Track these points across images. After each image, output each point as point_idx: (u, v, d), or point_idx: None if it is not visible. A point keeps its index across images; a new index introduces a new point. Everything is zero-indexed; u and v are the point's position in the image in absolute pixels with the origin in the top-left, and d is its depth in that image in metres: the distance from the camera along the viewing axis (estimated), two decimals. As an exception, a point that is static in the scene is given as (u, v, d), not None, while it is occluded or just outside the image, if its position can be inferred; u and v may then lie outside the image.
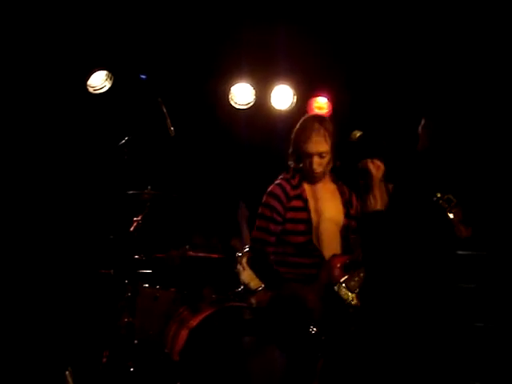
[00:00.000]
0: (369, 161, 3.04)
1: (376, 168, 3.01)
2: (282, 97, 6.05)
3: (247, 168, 6.27)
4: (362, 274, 3.65)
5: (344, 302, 3.44)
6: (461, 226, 3.64)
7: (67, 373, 3.93)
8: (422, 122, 4.61)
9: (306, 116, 3.86)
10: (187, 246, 5.33)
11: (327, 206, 3.70)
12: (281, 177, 3.76)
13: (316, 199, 3.67)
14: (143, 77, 5.29)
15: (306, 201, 3.66)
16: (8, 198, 5.48)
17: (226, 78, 5.98)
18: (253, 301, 4.94)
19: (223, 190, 6.20)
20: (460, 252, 4.43)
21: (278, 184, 3.71)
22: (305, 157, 3.65)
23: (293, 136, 3.77)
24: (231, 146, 6.33)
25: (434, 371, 2.92)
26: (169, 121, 4.85)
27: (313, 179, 3.70)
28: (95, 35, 5.47)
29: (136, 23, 5.57)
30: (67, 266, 5.60)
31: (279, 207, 3.63)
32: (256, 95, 6.02)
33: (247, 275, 5.03)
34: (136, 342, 4.89)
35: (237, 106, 6.04)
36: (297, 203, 3.66)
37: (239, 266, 5.04)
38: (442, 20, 5.44)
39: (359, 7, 5.59)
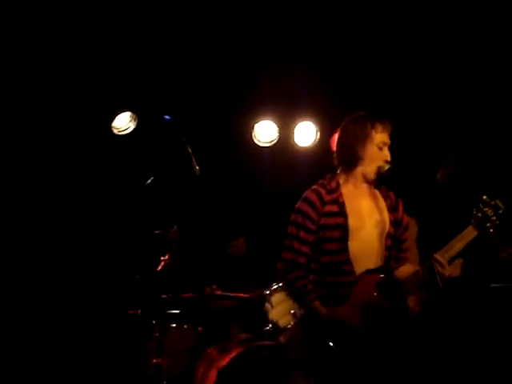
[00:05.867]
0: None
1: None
2: (306, 133, 6.06)
3: (270, 205, 6.27)
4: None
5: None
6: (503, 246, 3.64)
7: None
8: (448, 155, 4.64)
9: (356, 114, 3.52)
10: (214, 286, 5.32)
11: (371, 209, 3.42)
12: (317, 183, 3.50)
13: (358, 204, 3.41)
14: (167, 117, 5.34)
15: (342, 205, 3.37)
16: (37, 237, 5.54)
17: (249, 116, 6.02)
18: (282, 339, 4.91)
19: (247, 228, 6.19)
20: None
21: (313, 189, 3.44)
22: (373, 150, 3.37)
23: (348, 133, 3.43)
24: (255, 184, 6.34)
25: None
26: (194, 160, 4.88)
27: (375, 175, 3.38)
28: (119, 77, 5.55)
29: (160, 65, 5.65)
30: (95, 306, 5.61)
31: (312, 213, 3.36)
32: (279, 132, 6.05)
33: (276, 313, 5.02)
34: (165, 382, 4.86)
35: (260, 144, 6.06)
36: (332, 208, 3.37)
37: (267, 305, 5.03)
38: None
39: (379, 46, 5.64)
